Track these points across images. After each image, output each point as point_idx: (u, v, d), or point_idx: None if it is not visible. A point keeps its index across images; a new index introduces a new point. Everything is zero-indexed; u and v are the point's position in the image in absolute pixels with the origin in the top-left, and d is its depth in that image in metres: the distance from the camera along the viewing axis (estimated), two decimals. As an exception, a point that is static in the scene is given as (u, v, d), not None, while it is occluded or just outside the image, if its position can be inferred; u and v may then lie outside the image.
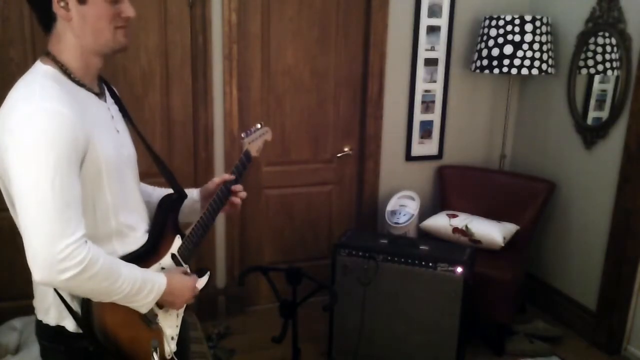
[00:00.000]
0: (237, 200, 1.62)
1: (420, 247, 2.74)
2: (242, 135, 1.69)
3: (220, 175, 1.65)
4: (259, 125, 1.75)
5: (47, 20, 1.24)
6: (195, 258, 1.54)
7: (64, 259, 1.11)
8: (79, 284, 1.15)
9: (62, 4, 1.20)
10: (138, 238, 1.38)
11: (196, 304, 3.18)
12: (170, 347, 1.44)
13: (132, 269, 1.26)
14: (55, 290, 1.25)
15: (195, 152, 3.11)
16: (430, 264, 2.62)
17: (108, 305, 1.25)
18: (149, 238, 1.41)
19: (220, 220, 3.23)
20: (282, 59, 3.20)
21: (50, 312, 1.29)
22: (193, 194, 1.66)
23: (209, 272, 1.57)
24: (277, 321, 2.53)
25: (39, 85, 1.18)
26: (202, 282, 1.54)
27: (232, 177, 1.61)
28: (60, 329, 1.29)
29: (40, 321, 1.33)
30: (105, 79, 1.43)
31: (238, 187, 1.64)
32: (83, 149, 1.18)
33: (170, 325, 1.44)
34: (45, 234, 1.11)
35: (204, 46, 2.98)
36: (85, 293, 1.21)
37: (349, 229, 3.14)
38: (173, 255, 1.46)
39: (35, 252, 1.12)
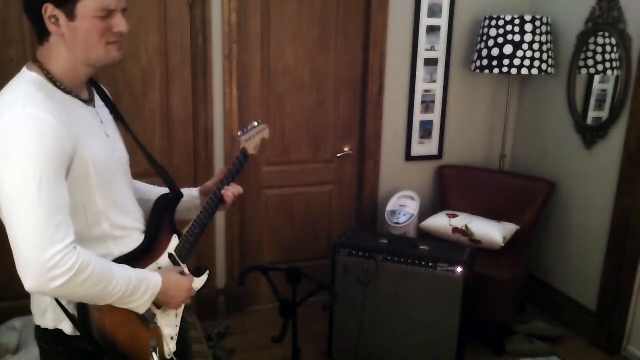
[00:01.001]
0: (227, 193, 1.58)
1: (420, 247, 2.74)
2: (239, 133, 1.66)
3: (219, 172, 1.64)
4: (255, 123, 1.72)
5: (42, 33, 1.24)
6: (194, 258, 1.54)
7: (53, 266, 1.10)
8: (71, 290, 1.15)
9: (52, 20, 1.20)
10: (134, 239, 1.38)
11: (196, 304, 3.18)
12: (170, 347, 1.44)
13: (126, 270, 1.26)
14: None
15: (195, 152, 3.11)
16: (430, 264, 2.62)
17: (106, 307, 1.25)
18: (145, 238, 1.40)
19: (220, 220, 3.23)
20: (282, 59, 3.20)
21: (47, 315, 1.29)
22: (193, 192, 1.65)
23: (208, 271, 1.56)
24: (277, 321, 2.53)
25: (23, 92, 1.18)
26: (201, 281, 1.53)
27: (229, 170, 1.61)
28: (58, 332, 1.29)
29: (38, 325, 1.32)
30: (97, 82, 1.42)
31: (234, 186, 1.61)
32: (70, 155, 1.18)
33: (169, 324, 1.44)
34: (33, 242, 1.10)
35: (204, 46, 2.98)
36: (79, 298, 1.21)
37: (349, 229, 3.14)
38: (170, 255, 1.46)
39: (24, 261, 1.11)
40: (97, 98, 1.39)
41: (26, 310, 2.72)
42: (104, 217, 1.30)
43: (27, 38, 2.69)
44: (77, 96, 1.29)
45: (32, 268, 1.11)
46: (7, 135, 1.12)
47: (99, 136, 1.31)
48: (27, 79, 1.22)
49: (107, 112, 1.41)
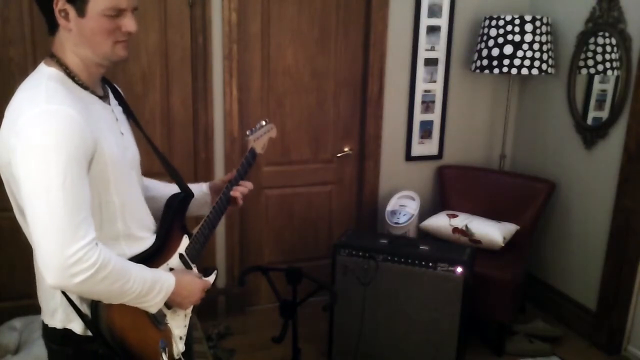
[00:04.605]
0: (235, 193, 1.59)
1: (420, 247, 2.74)
2: (247, 132, 1.66)
3: (229, 173, 1.64)
4: (263, 122, 1.73)
5: (52, 25, 1.24)
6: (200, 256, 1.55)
7: (75, 262, 1.11)
8: (91, 286, 1.15)
9: (62, 14, 1.20)
10: (146, 239, 1.38)
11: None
12: (179, 347, 1.44)
13: (142, 269, 1.26)
14: (63, 292, 1.24)
15: (195, 152, 3.11)
16: (430, 264, 2.62)
17: (116, 307, 1.25)
18: (156, 239, 1.41)
19: (220, 221, 3.22)
20: (282, 59, 3.20)
21: (57, 314, 1.28)
22: (202, 187, 1.66)
23: (216, 271, 1.56)
24: (277, 321, 2.53)
25: (44, 87, 1.17)
26: (210, 281, 1.53)
27: (236, 174, 1.61)
28: (67, 332, 1.28)
29: (47, 325, 1.32)
30: (110, 81, 1.43)
31: (244, 183, 1.62)
32: (91, 150, 1.18)
33: (178, 325, 1.44)
34: (56, 238, 1.10)
35: (204, 46, 2.98)
36: (97, 296, 1.20)
37: (349, 229, 3.14)
38: (181, 256, 1.46)
39: (47, 257, 1.11)
40: (111, 96, 1.39)
41: (26, 310, 2.73)
42: (119, 215, 1.29)
43: (27, 38, 2.69)
44: (93, 92, 1.29)
45: (54, 264, 1.11)
46: (31, 131, 1.11)
47: (115, 133, 1.31)
48: (46, 75, 1.21)
49: (120, 111, 1.41)
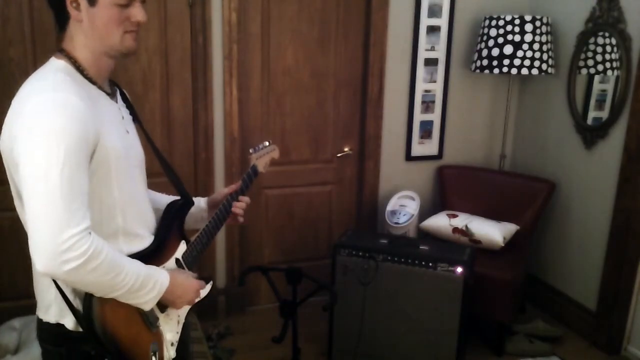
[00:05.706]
0: (236, 210, 1.62)
1: (420, 247, 2.74)
2: (250, 151, 1.72)
3: (229, 186, 1.67)
4: (267, 143, 1.79)
5: (61, 18, 1.25)
6: (197, 263, 1.55)
7: (67, 249, 1.10)
8: (81, 275, 1.14)
9: (74, 4, 1.21)
10: (144, 239, 1.38)
11: (196, 304, 3.17)
12: (170, 353, 1.43)
13: (136, 263, 1.26)
14: (58, 287, 1.24)
15: (195, 152, 3.11)
16: (430, 264, 2.62)
17: (110, 304, 1.24)
18: (154, 240, 1.41)
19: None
20: (282, 59, 3.20)
21: (51, 309, 1.29)
22: (201, 202, 1.67)
23: (211, 282, 1.56)
24: (277, 321, 2.53)
25: (52, 77, 1.19)
26: (204, 291, 1.53)
27: (239, 186, 1.64)
28: (60, 328, 1.28)
29: (41, 320, 1.32)
30: (118, 83, 1.44)
31: (242, 198, 1.65)
32: (93, 142, 1.19)
33: (170, 329, 1.44)
34: (50, 223, 1.10)
35: (204, 46, 2.98)
36: (87, 286, 1.20)
37: (349, 229, 3.14)
38: (177, 260, 1.46)
39: (39, 242, 1.11)
40: (118, 96, 1.41)
41: (26, 310, 2.74)
42: (119, 211, 1.30)
43: (27, 38, 2.68)
44: (100, 88, 1.30)
45: (45, 249, 1.10)
46: (36, 117, 1.13)
47: (120, 130, 1.32)
48: (55, 67, 1.24)
49: (126, 111, 1.42)
